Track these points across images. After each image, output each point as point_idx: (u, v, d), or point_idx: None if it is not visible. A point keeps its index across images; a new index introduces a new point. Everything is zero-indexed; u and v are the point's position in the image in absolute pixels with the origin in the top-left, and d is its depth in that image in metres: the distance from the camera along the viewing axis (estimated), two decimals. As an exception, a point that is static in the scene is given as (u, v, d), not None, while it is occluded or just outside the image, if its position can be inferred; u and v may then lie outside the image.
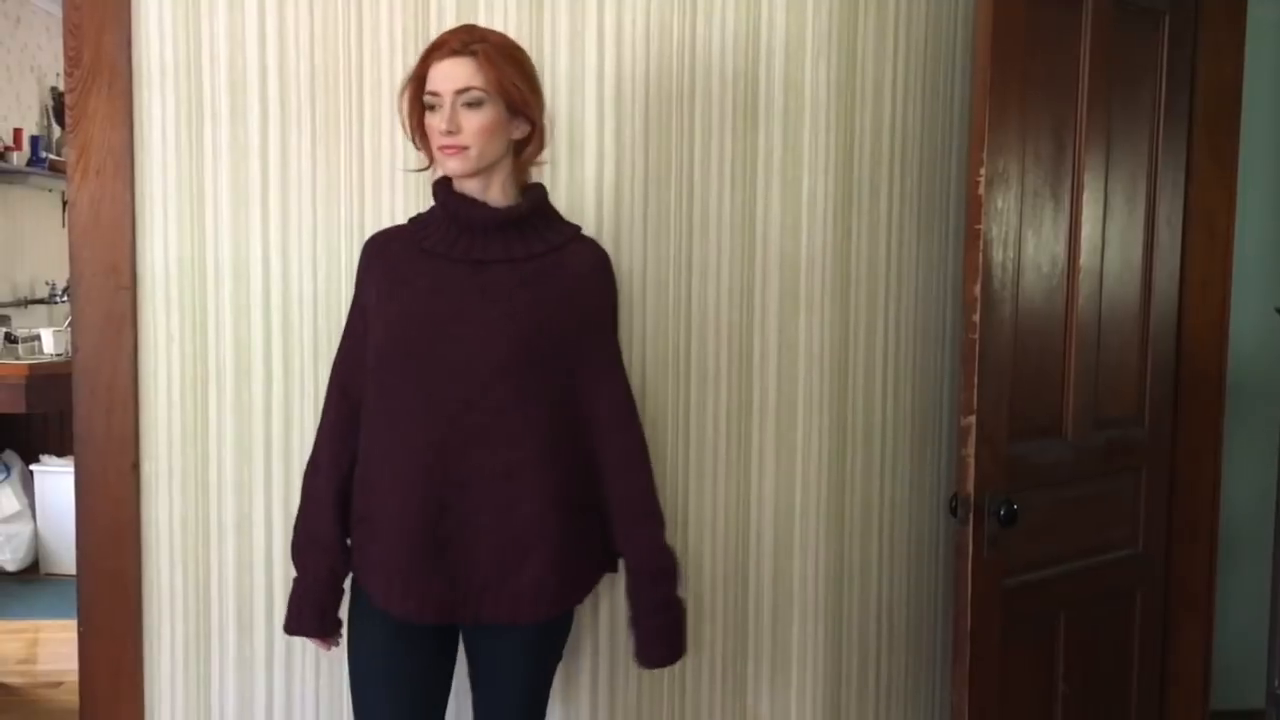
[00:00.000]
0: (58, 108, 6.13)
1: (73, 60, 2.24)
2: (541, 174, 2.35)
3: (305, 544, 2.01)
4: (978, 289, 2.20)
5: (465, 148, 1.87)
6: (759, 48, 2.42)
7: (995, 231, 2.24)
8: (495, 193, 1.94)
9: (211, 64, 2.26)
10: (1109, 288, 2.55)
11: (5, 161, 5.56)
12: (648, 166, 2.38)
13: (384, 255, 1.99)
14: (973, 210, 2.21)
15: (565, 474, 1.94)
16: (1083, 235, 2.46)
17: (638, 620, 1.99)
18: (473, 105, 1.86)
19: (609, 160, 2.36)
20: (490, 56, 1.86)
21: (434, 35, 2.26)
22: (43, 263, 6.06)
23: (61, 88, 5.97)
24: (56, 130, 6.16)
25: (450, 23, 2.28)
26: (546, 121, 1.98)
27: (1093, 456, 2.56)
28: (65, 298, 5.79)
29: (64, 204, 5.88)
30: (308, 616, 2.00)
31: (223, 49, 2.26)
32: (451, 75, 1.86)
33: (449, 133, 1.86)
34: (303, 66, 2.27)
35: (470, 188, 1.94)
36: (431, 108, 1.89)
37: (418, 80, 1.91)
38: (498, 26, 2.30)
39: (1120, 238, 2.57)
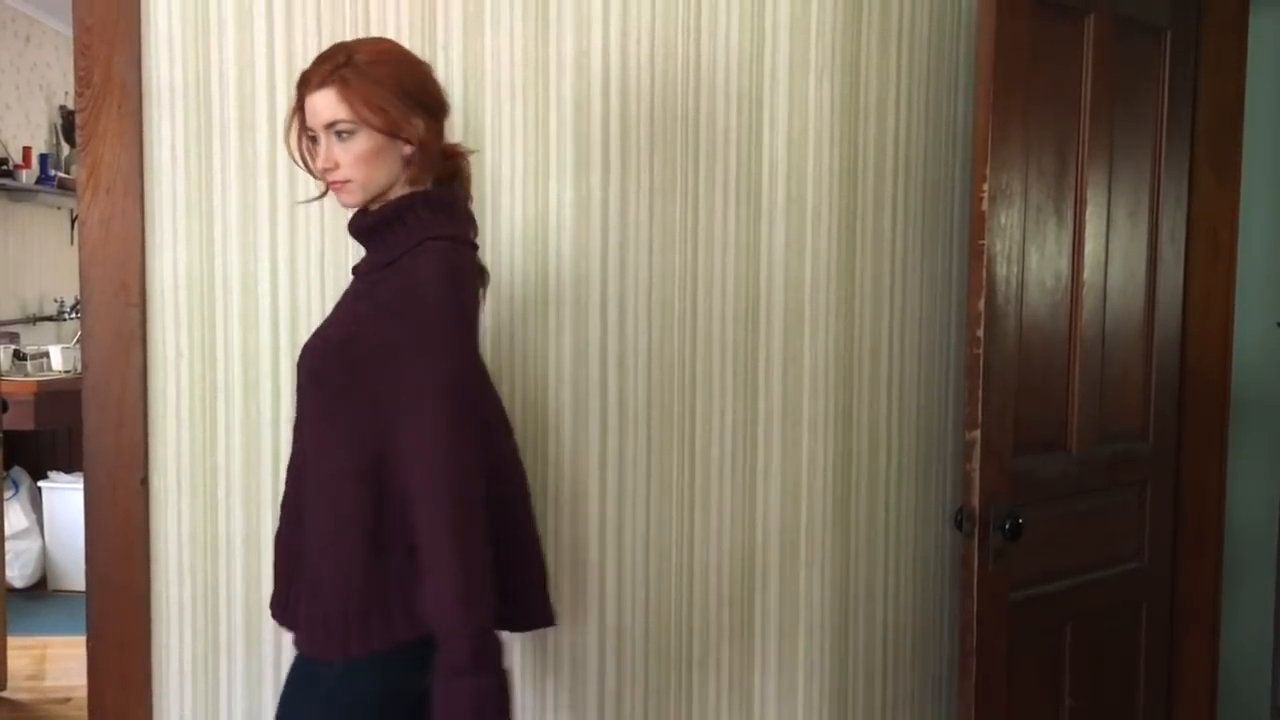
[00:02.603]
0: (66, 126, 6.16)
1: (83, 80, 2.26)
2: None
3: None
4: (981, 304, 2.21)
5: (348, 180, 1.79)
6: (763, 66, 2.43)
7: (999, 247, 2.25)
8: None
9: (220, 83, 2.28)
10: (1113, 302, 2.56)
11: (14, 179, 5.59)
12: (653, 184, 2.39)
13: None
14: (976, 226, 2.23)
15: (359, 509, 1.76)
16: (1086, 250, 2.48)
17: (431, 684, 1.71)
18: (343, 137, 1.76)
19: (614, 178, 2.37)
20: (352, 83, 1.74)
21: (441, 53, 2.29)
22: (51, 280, 6.10)
23: (70, 106, 6.03)
24: (65, 148, 6.19)
25: (456, 41, 2.30)
26: (447, 124, 1.87)
27: (1097, 470, 2.57)
28: (73, 315, 5.82)
29: (72, 221, 5.92)
30: None
31: (231, 68, 2.27)
32: (318, 109, 1.76)
33: (325, 170, 1.79)
34: (311, 85, 2.29)
35: (371, 207, 1.88)
36: (315, 141, 1.82)
37: (300, 112, 1.82)
38: (503, 47, 2.32)
39: (1123, 253, 2.58)
